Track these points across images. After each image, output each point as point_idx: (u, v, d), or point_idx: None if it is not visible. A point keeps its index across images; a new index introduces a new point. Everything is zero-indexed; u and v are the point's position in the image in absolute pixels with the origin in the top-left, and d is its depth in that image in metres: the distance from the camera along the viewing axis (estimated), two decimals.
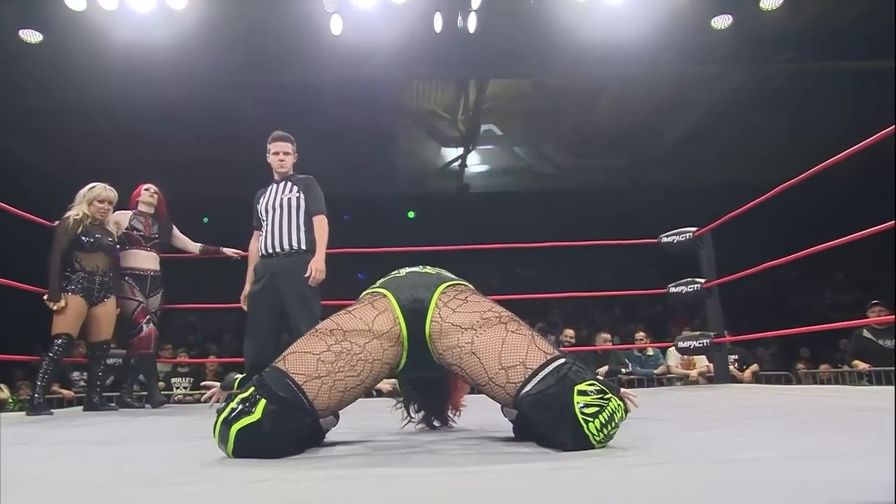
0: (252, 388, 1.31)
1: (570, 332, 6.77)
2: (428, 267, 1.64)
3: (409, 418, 1.84)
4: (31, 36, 7.51)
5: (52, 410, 3.43)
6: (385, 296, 1.50)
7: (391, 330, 1.44)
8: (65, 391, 6.24)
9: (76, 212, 3.47)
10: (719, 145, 10.40)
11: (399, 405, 1.88)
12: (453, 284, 1.53)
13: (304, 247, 3.27)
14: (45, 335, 3.43)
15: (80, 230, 3.42)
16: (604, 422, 1.23)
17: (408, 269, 1.63)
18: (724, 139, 10.31)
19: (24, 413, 3.33)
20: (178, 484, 1.05)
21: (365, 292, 1.58)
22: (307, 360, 1.36)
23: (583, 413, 1.23)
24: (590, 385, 1.26)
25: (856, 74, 9.03)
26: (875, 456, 1.06)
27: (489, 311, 1.45)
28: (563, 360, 1.33)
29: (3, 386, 6.67)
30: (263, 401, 1.27)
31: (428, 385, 1.79)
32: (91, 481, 1.13)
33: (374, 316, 1.45)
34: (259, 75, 8.58)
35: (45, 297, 3.33)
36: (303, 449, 1.38)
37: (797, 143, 9.06)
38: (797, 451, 1.20)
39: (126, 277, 3.70)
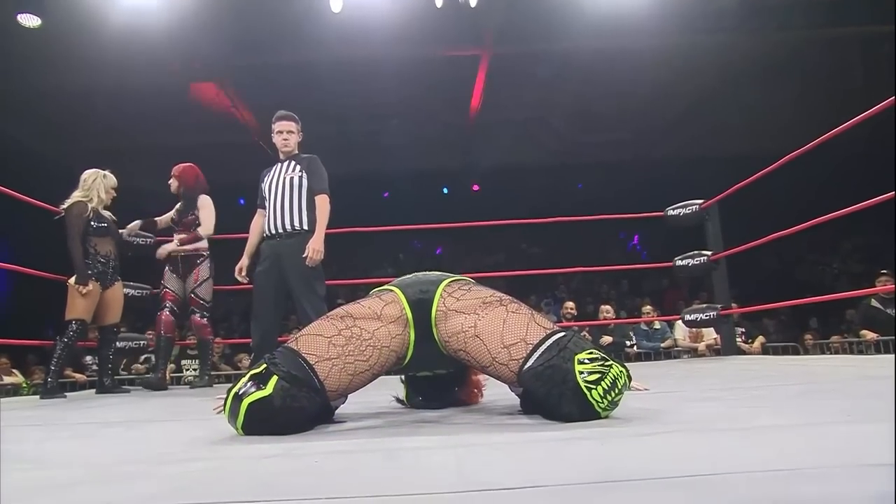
0: (264, 366, 1.33)
1: (570, 304, 6.76)
2: (434, 271, 1.72)
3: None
4: (29, 20, 7.46)
5: (66, 394, 3.48)
6: (392, 290, 1.57)
7: (399, 318, 1.50)
8: (77, 375, 6.32)
9: (86, 196, 3.48)
10: (726, 117, 10.26)
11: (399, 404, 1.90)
12: (457, 279, 1.61)
13: (305, 227, 3.27)
14: (56, 320, 3.47)
15: (90, 215, 3.44)
16: (606, 388, 1.24)
17: (414, 274, 1.70)
18: (731, 111, 10.17)
19: (38, 397, 3.38)
20: (188, 461, 1.06)
21: (373, 291, 1.65)
22: (319, 342, 1.40)
23: (585, 381, 1.24)
24: (589, 354, 1.29)
25: (865, 39, 8.85)
26: (878, 422, 1.06)
27: (490, 296, 1.52)
28: (562, 334, 1.37)
29: (16, 371, 6.77)
30: (275, 377, 1.30)
31: (434, 388, 1.80)
32: (103, 460, 1.15)
33: (383, 306, 1.52)
34: (259, 56, 8.50)
35: (72, 280, 3.35)
36: (312, 426, 1.40)
37: (806, 113, 8.92)
38: (802, 419, 1.21)
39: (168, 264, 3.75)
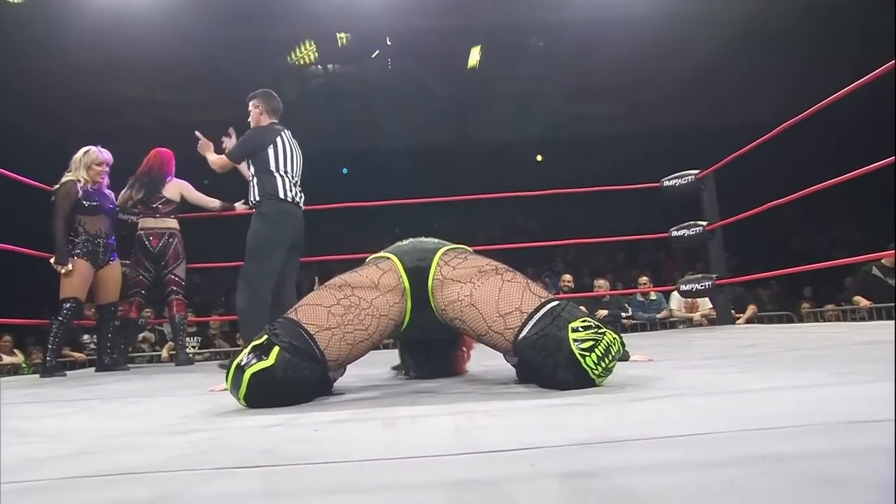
0: (266, 336, 1.34)
1: (567, 277, 6.81)
2: (431, 238, 1.71)
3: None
4: None
5: (66, 372, 3.51)
6: (389, 258, 1.57)
7: (396, 286, 1.51)
8: (76, 354, 6.36)
9: (74, 176, 3.47)
10: (725, 87, 10.17)
11: (400, 374, 1.93)
12: (454, 248, 1.62)
13: (257, 198, 3.28)
14: (53, 300, 3.47)
15: (80, 194, 3.42)
16: (600, 355, 1.26)
17: (411, 239, 1.70)
18: (729, 80, 10.08)
19: (38, 376, 3.40)
20: (190, 431, 1.08)
21: (370, 258, 1.65)
22: (318, 311, 1.41)
23: (579, 349, 1.26)
24: (583, 322, 1.30)
25: (865, 4, 8.72)
26: (875, 382, 1.08)
27: (486, 265, 1.52)
28: (556, 303, 1.39)
29: (17, 350, 6.81)
30: (277, 348, 1.31)
31: (429, 351, 1.83)
32: (105, 433, 1.17)
33: (380, 275, 1.52)
34: (247, 29, 8.37)
35: (52, 260, 3.35)
36: (312, 397, 1.41)
37: (806, 81, 8.84)
38: (793, 382, 1.23)
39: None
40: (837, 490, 0.52)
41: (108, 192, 3.62)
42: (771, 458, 0.63)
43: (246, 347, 1.34)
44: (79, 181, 3.45)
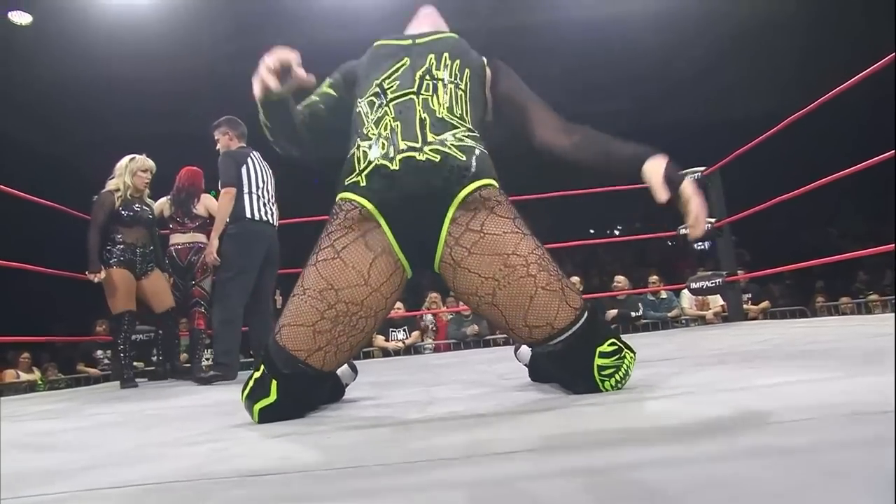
0: (262, 368, 1.27)
1: (575, 279, 6.79)
2: (436, 165, 1.25)
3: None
4: (20, 18, 7.45)
5: (138, 382, 3.54)
6: (378, 225, 1.26)
7: (391, 278, 1.27)
8: (90, 369, 6.42)
9: (115, 184, 3.52)
10: (728, 81, 10.13)
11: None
12: (467, 200, 1.25)
13: (227, 219, 3.37)
14: (65, 317, 3.52)
15: (118, 204, 3.48)
16: (619, 379, 1.23)
17: (393, 115, 1.33)
18: (732, 74, 10.04)
19: (118, 384, 3.46)
20: (209, 441, 1.10)
21: (344, 198, 1.29)
22: (303, 334, 1.23)
23: (601, 374, 1.22)
24: (610, 345, 1.23)
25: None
26: (878, 375, 1.08)
27: (513, 253, 1.22)
28: (589, 317, 1.24)
29: (36, 368, 6.88)
30: (275, 382, 1.24)
31: None
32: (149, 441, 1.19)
33: (370, 263, 1.25)
34: (248, 41, 8.44)
35: (87, 271, 3.41)
36: (325, 402, 1.42)
37: (810, 74, 8.80)
38: (802, 376, 1.23)
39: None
40: (843, 481, 0.53)
41: (148, 201, 3.68)
42: (778, 451, 0.64)
43: (250, 381, 1.28)
44: (118, 189, 3.50)
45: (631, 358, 1.26)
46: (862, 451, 0.62)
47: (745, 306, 5.64)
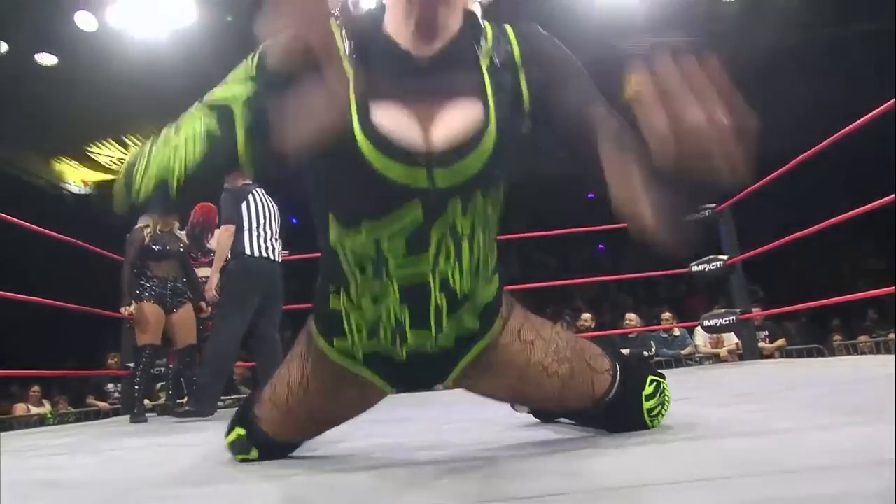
0: (244, 432, 1.22)
1: (587, 316, 6.73)
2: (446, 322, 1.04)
3: None
4: (46, 59, 7.70)
5: (148, 418, 3.49)
6: (374, 387, 1.15)
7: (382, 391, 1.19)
8: (100, 403, 6.41)
9: (145, 220, 3.59)
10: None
11: None
12: (481, 346, 1.11)
13: (228, 255, 3.43)
14: (76, 352, 3.55)
15: (147, 240, 3.54)
16: (664, 413, 1.22)
17: (411, 331, 1.03)
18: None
19: (128, 419, 3.43)
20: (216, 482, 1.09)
21: (335, 360, 1.11)
22: (278, 417, 1.19)
23: (650, 416, 1.20)
24: (651, 384, 1.20)
25: (877, 36, 8.77)
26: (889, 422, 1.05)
27: (528, 362, 1.13)
28: (621, 371, 1.18)
29: (45, 401, 6.88)
30: (255, 450, 1.22)
31: None
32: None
33: (356, 403, 1.21)
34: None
35: (120, 307, 3.51)
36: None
37: (825, 110, 8.86)
38: (817, 422, 1.20)
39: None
40: None
41: (178, 233, 3.73)
42: (791, 501, 0.62)
43: (232, 434, 1.23)
44: (147, 225, 3.56)
45: (665, 385, 1.23)
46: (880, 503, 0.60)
47: (760, 344, 5.57)
